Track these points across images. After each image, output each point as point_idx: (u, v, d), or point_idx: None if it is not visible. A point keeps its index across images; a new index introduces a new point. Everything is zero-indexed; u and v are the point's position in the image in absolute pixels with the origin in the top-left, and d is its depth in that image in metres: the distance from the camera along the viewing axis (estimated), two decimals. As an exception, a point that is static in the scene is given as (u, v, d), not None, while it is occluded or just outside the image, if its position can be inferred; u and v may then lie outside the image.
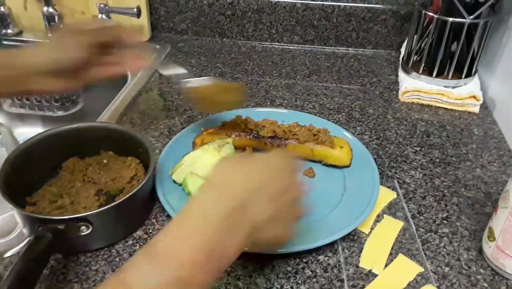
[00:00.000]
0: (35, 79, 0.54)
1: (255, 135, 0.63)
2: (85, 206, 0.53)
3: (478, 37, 0.76)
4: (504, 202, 0.45)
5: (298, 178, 0.42)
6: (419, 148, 0.68)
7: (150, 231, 0.54)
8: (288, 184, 0.40)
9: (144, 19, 0.96)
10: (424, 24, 0.80)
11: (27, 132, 0.95)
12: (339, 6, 0.94)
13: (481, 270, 0.49)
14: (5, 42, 0.98)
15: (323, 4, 0.94)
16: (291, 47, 1.00)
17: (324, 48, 1.00)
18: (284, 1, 0.96)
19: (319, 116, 0.76)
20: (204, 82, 0.62)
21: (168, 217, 0.55)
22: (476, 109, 0.77)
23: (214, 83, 0.63)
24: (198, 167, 0.60)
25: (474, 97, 0.76)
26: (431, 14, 0.76)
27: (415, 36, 0.82)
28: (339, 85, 0.86)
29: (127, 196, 0.50)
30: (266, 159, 0.42)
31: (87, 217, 0.47)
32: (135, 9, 0.89)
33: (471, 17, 0.73)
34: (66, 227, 0.46)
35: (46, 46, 0.57)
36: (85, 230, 0.48)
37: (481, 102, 0.76)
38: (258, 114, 0.70)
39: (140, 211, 0.55)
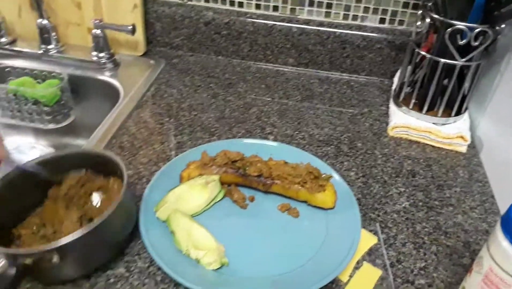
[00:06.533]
0: None
1: (242, 173, 0.64)
2: (68, 234, 0.54)
3: (469, 77, 0.77)
4: (477, 267, 0.46)
5: None
6: (404, 189, 0.69)
7: (132, 269, 0.54)
8: None
9: (139, 36, 0.96)
10: (417, 60, 0.81)
11: (18, 141, 0.95)
12: (334, 32, 0.94)
13: (454, 326, 0.51)
14: (-2, 51, 0.97)
15: (318, 30, 0.94)
16: (285, 69, 1.00)
17: (318, 72, 1.00)
18: (280, 25, 0.96)
19: (308, 147, 0.76)
20: None
21: (151, 255, 0.55)
22: (463, 149, 0.78)
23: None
24: (184, 204, 0.60)
25: (461, 137, 0.77)
26: (423, 53, 0.77)
27: (409, 68, 0.83)
28: (330, 114, 0.86)
29: (97, 222, 0.49)
30: None
31: (57, 248, 0.47)
32: (130, 27, 0.89)
33: (463, 60, 0.73)
34: (34, 261, 0.46)
35: None
36: (56, 261, 0.47)
37: (468, 142, 0.77)
38: (247, 146, 0.71)
39: (116, 236, 0.55)
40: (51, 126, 0.92)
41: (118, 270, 0.54)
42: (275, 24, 0.96)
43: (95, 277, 0.53)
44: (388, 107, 0.89)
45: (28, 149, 0.94)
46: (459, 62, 0.73)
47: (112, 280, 0.53)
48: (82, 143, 0.77)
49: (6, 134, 0.95)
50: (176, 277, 0.51)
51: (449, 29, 0.71)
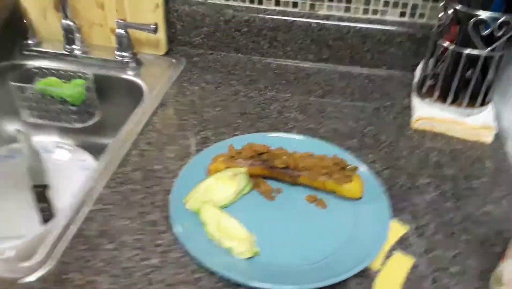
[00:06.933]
0: None
1: (269, 165, 0.64)
2: None
3: (493, 67, 0.76)
4: (511, 252, 0.46)
5: None
6: (431, 180, 0.69)
7: (166, 259, 0.55)
8: None
9: (161, 35, 0.97)
10: (439, 52, 0.80)
11: (43, 140, 0.97)
12: (355, 27, 0.94)
13: (488, 313, 0.50)
14: (26, 53, 0.99)
15: (338, 25, 0.95)
16: (306, 65, 1.01)
17: (338, 67, 1.00)
18: (300, 20, 0.96)
19: (332, 141, 0.77)
20: None
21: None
22: (489, 140, 0.77)
23: None
24: (213, 196, 0.61)
25: (487, 128, 0.76)
26: (445, 45, 0.76)
27: (431, 60, 0.82)
28: (352, 108, 0.86)
29: None
30: None
31: None
32: (153, 26, 0.90)
33: (487, 50, 0.73)
34: None
35: None
36: None
37: (494, 133, 0.77)
38: (271, 140, 0.71)
39: None
40: (78, 125, 0.94)
41: (152, 261, 0.55)
42: (295, 20, 0.96)
43: (127, 269, 0.54)
44: (410, 100, 0.89)
45: (54, 148, 0.96)
46: (483, 52, 0.73)
47: (147, 270, 0.54)
48: (108, 141, 0.79)
49: (33, 133, 0.97)
50: (211, 266, 0.51)
51: (472, 20, 0.71)
